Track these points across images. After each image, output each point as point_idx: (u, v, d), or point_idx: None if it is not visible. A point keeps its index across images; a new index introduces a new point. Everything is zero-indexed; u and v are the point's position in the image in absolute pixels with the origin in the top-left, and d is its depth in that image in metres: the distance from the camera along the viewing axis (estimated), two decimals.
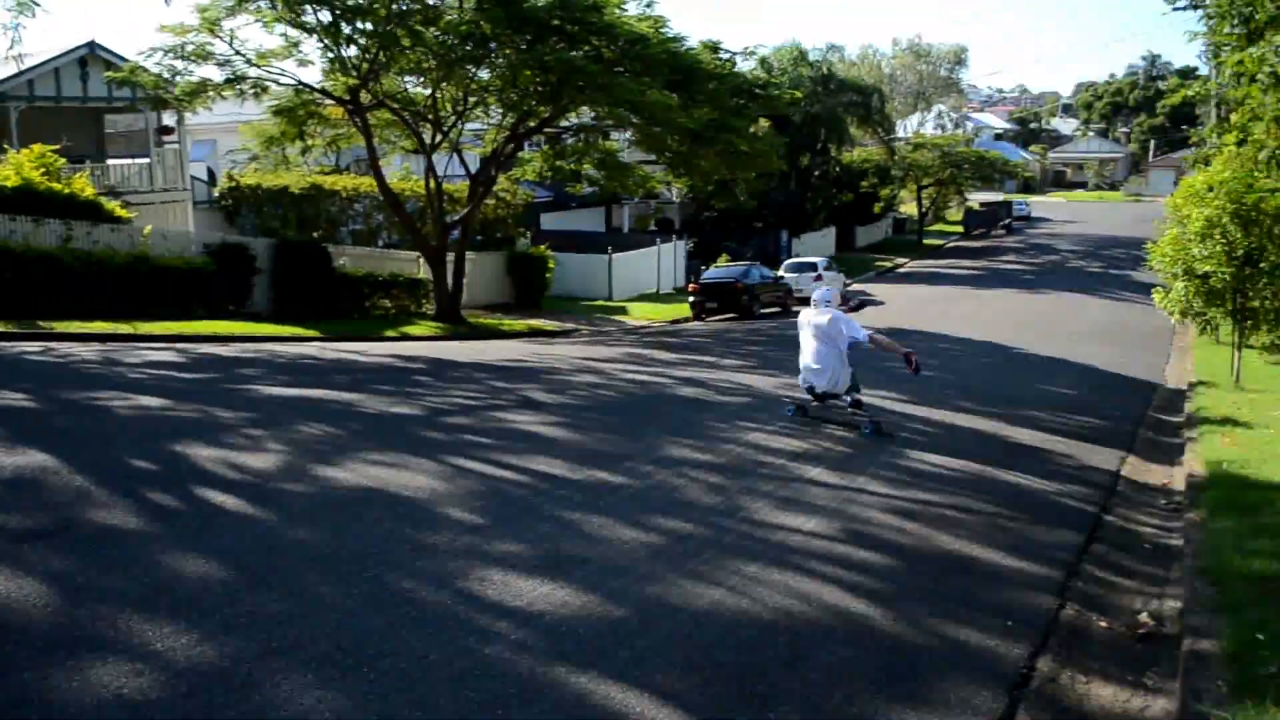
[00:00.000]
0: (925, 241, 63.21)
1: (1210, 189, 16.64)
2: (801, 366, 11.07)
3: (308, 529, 6.09)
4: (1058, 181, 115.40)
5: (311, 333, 20.53)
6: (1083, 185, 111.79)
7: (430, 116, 25.24)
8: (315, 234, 28.65)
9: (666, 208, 51.88)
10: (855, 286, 42.61)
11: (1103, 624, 5.65)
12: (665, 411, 11.44)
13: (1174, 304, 18.18)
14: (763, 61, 49.39)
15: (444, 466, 7.77)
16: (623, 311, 33.15)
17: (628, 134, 27.94)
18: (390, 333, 22.52)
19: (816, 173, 53.62)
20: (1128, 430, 12.65)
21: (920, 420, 11.71)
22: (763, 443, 9.61)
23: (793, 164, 48.94)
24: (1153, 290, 20.07)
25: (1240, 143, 15.92)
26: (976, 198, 75.84)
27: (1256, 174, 13.34)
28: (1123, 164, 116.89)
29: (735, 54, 26.30)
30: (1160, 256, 18.29)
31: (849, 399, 10.75)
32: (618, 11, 22.01)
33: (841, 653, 4.83)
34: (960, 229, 70.63)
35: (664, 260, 41.06)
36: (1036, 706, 4.54)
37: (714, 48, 24.85)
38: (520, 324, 26.86)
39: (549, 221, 44.23)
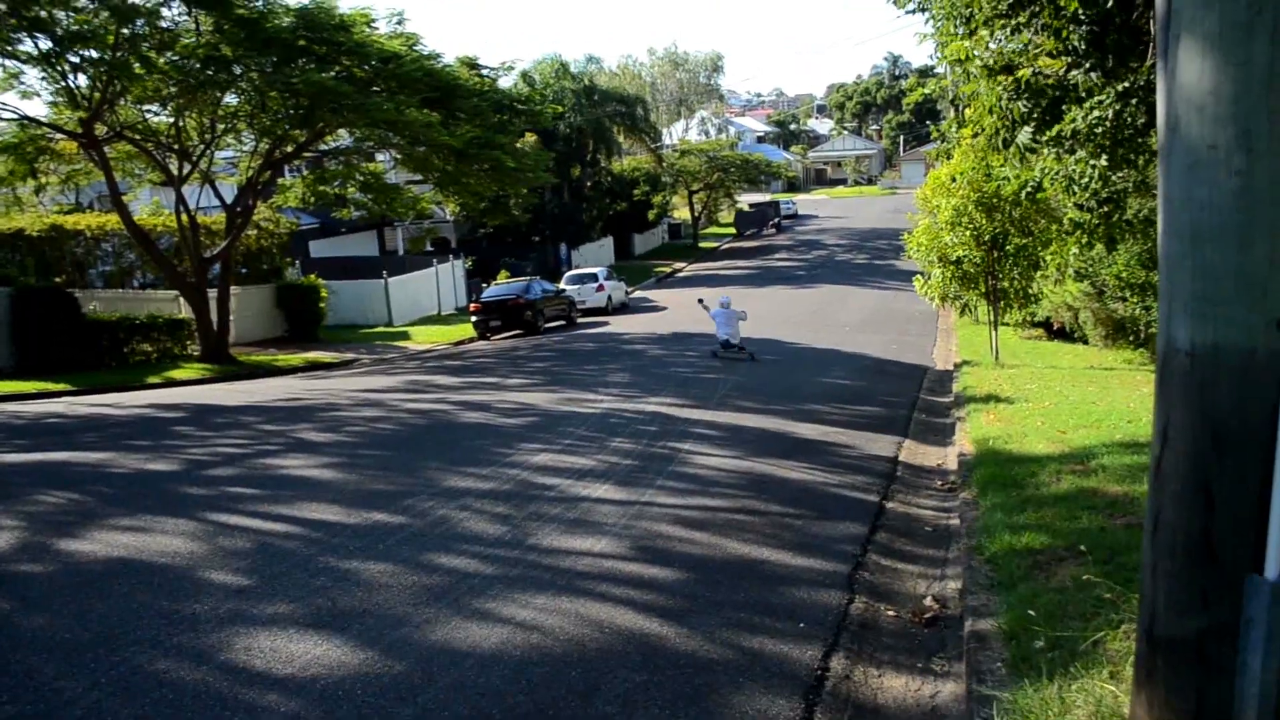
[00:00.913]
0: (701, 245, 64.86)
1: (954, 179, 17.66)
2: (720, 333, 20.20)
3: (45, 614, 5.44)
4: (819, 179, 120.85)
5: (60, 387, 18.94)
6: (842, 181, 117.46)
7: (176, 146, 23.80)
8: (59, 279, 26.49)
9: (441, 227, 51.04)
10: (636, 294, 43.18)
11: (890, 613, 5.73)
12: (448, 441, 11.03)
13: (933, 290, 19.18)
14: (524, 76, 49.41)
15: (205, 525, 7.16)
16: (405, 337, 32.32)
17: (391, 154, 27.24)
18: (153, 379, 21.05)
19: (589, 184, 54.08)
20: (903, 415, 13.18)
21: (705, 424, 11.82)
22: (548, 464, 9.40)
23: (564, 176, 49.18)
24: (914, 278, 21.12)
25: (976, 135, 16.99)
26: (746, 199, 78.44)
27: (992, 162, 14.19)
28: (877, 159, 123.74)
29: (495, 70, 26.16)
30: (916, 246, 19.27)
31: (739, 346, 19.96)
32: (368, 30, 21.37)
33: (637, 679, 4.67)
34: (733, 230, 72.87)
35: (443, 281, 40.38)
36: (832, 709, 4.51)
37: (472, 64, 24.61)
38: (296, 358, 25.68)
39: (319, 249, 42.75)
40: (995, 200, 17.82)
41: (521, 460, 9.54)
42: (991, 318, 19.53)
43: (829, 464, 9.74)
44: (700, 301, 22.67)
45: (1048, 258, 18.19)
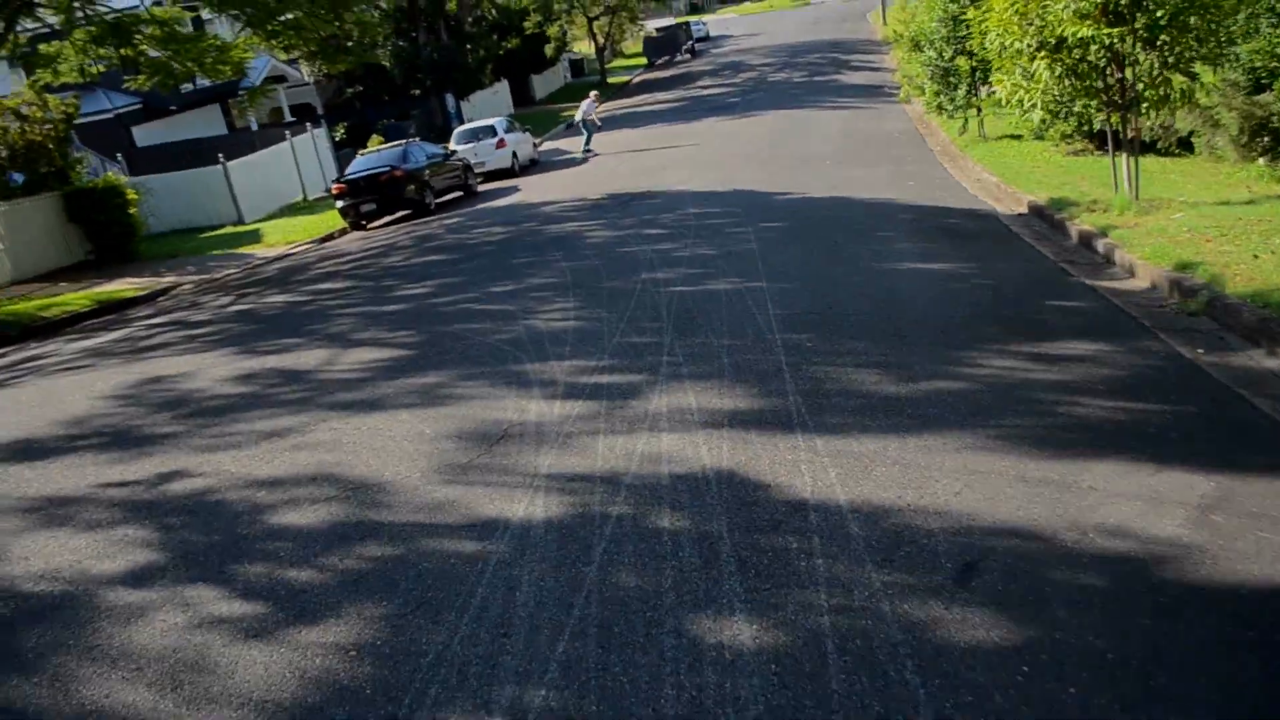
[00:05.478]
0: (610, 80, 56.45)
1: None
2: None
3: None
4: None
5: None
6: None
7: None
8: None
9: (301, 91, 42.31)
10: (546, 145, 35.45)
11: None
12: None
13: (1033, 95, 11.97)
14: None
15: None
16: (255, 238, 24.56)
17: None
18: None
19: (470, 19, 45.13)
20: (1188, 367, 6.42)
21: (863, 520, 4.95)
22: None
23: (438, 11, 40.47)
24: (992, 79, 13.95)
25: None
26: (651, 25, 69.81)
27: None
28: None
29: None
30: (1000, 29, 11.99)
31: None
32: None
33: None
34: (643, 61, 64.34)
35: (304, 157, 32.09)
36: None
37: None
38: (84, 296, 18.01)
39: (146, 136, 34.26)
40: None
41: None
42: (1123, 132, 12.44)
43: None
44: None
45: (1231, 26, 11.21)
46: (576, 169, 27.57)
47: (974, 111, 22.58)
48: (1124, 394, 5.73)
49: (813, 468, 5.19)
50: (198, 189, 27.94)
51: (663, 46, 63.81)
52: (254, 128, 38.35)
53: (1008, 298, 8.47)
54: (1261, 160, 15.09)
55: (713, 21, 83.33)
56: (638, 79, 57.53)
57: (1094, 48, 11.10)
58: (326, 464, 6.28)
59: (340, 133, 37.59)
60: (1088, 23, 10.94)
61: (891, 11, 55.90)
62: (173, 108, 35.12)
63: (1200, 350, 6.48)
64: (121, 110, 33.33)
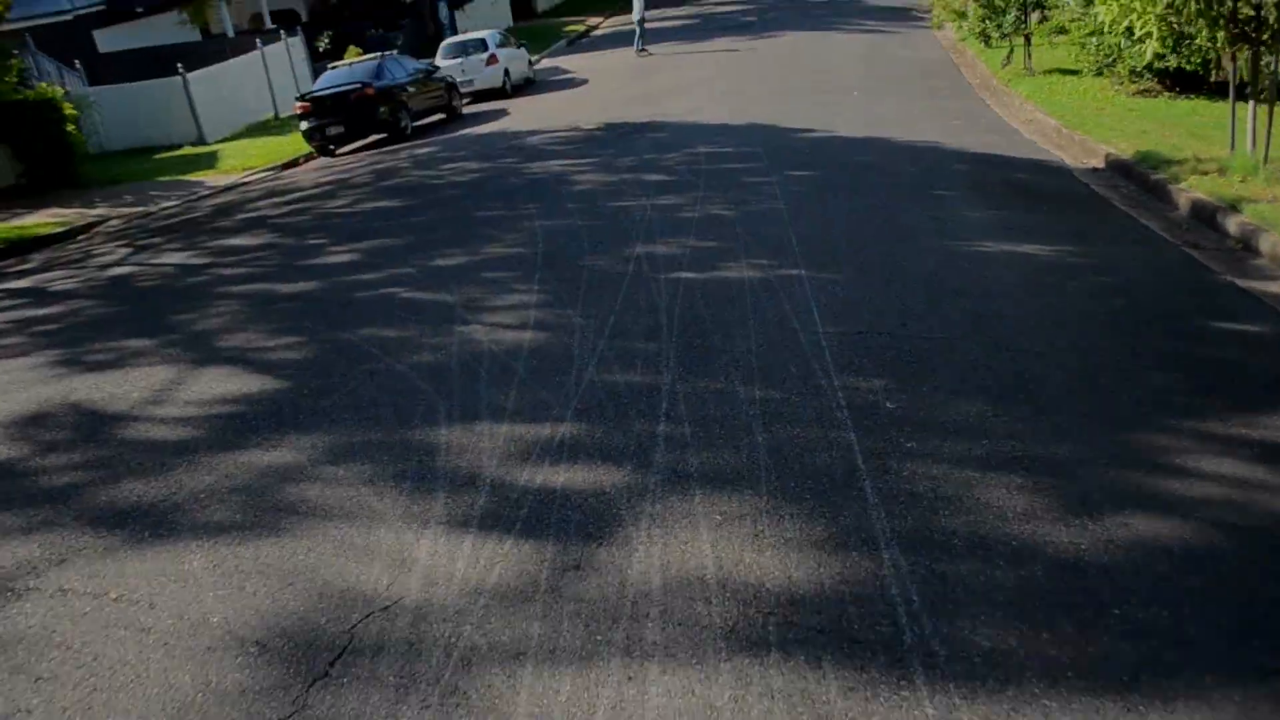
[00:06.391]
0: None
1: None
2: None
3: None
4: None
5: None
6: None
7: None
8: None
9: None
10: (544, 63, 32.48)
11: None
12: None
13: (1145, 22, 9.31)
14: None
15: None
16: (212, 162, 21.97)
17: None
18: None
19: None
20: None
21: None
22: None
23: None
24: (1098, 3, 11.19)
25: None
26: None
27: None
28: None
29: None
30: None
31: None
32: None
33: None
34: None
35: (277, 70, 29.23)
36: None
37: None
38: None
39: (111, 40, 31.22)
40: None
41: None
42: (1252, 72, 9.83)
43: None
44: None
45: None
46: (574, 90, 24.79)
47: (1021, 41, 19.75)
48: None
49: None
50: (156, 103, 25.28)
51: None
52: (230, 34, 35.35)
53: (1148, 311, 6.01)
54: None
55: None
56: None
57: None
58: None
59: (325, 42, 34.64)
60: None
61: None
62: (140, 10, 32.11)
63: None
64: (81, 11, 30.30)
